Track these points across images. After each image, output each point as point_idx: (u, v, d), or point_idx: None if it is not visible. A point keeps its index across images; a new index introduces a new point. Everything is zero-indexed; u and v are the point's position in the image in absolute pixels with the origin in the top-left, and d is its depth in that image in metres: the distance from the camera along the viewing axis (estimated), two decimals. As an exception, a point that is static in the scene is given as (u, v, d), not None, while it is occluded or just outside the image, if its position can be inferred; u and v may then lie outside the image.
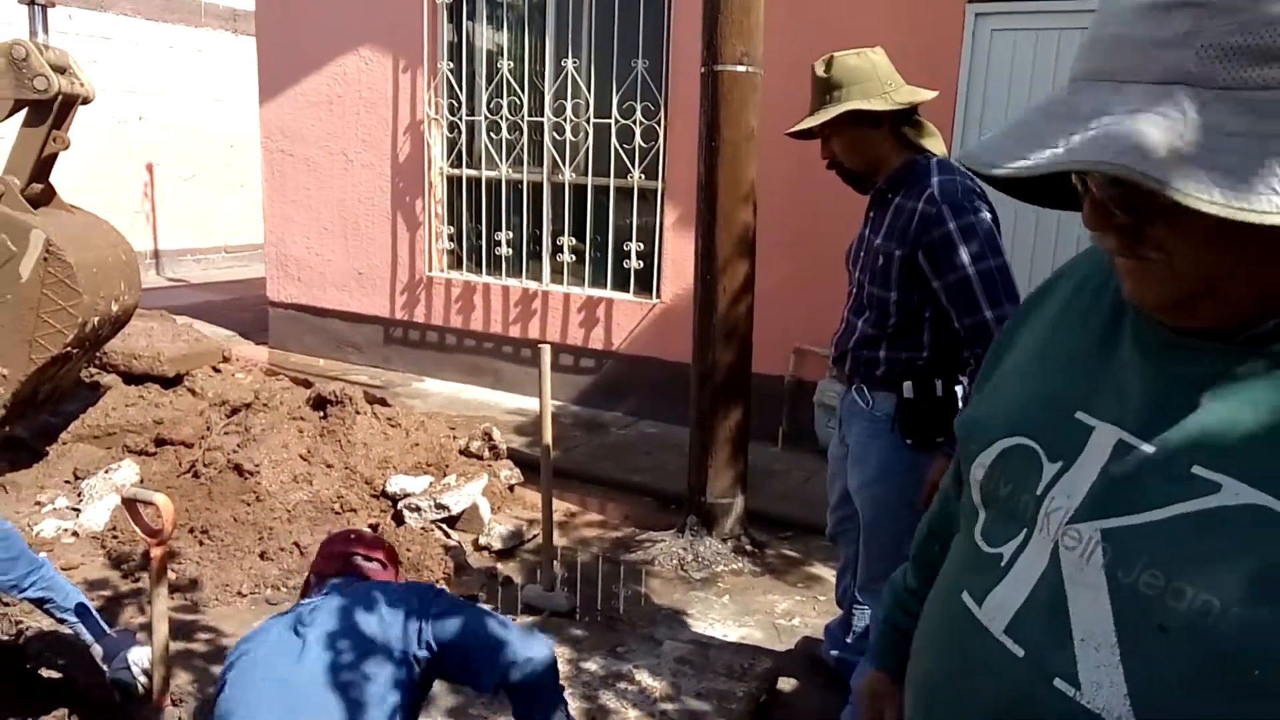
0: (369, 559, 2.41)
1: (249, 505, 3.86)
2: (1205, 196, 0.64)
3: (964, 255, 2.29)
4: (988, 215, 2.35)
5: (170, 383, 5.05)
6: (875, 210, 2.58)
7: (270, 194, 7.03)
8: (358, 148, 6.58)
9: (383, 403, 4.91)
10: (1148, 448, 0.79)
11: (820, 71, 2.47)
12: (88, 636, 2.99)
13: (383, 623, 2.13)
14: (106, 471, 4.22)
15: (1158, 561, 0.75)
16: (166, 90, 9.97)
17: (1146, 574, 0.75)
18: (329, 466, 4.13)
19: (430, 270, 6.50)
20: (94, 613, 3.05)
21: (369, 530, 2.75)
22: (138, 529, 2.78)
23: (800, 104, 2.60)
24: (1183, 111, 0.66)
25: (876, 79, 2.44)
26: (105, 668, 2.98)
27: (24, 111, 4.01)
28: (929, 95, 2.49)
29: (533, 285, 6.20)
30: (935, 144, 2.53)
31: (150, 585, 2.72)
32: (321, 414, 4.35)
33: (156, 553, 2.69)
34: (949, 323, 2.37)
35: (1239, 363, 0.77)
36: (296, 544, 3.70)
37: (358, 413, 4.37)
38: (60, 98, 3.95)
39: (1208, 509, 0.74)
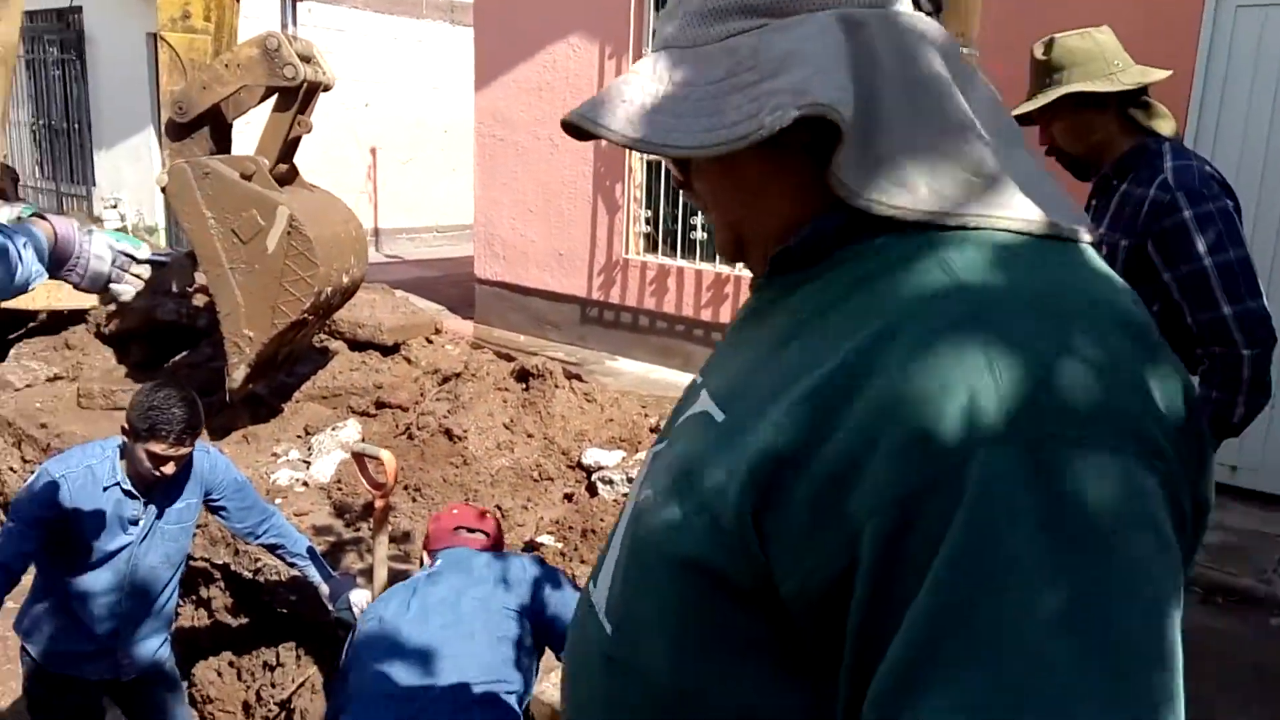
0: (474, 531, 2.61)
1: (457, 468, 4.12)
2: (658, 140, 0.72)
3: (1200, 245, 2.14)
4: (1228, 203, 2.19)
5: (389, 351, 5.44)
6: (1098, 198, 2.45)
7: (481, 177, 7.40)
8: (563, 133, 6.81)
9: (579, 379, 5.10)
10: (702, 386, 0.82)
11: (1039, 54, 2.37)
12: (315, 577, 3.26)
13: (498, 586, 2.34)
14: (333, 429, 4.60)
15: (652, 475, 0.78)
16: (389, 79, 10.65)
17: (646, 488, 0.77)
18: (529, 436, 4.33)
19: (626, 253, 6.67)
20: (320, 557, 3.34)
21: (474, 507, 2.96)
22: (364, 481, 3.03)
23: (1021, 87, 2.50)
24: (661, 70, 0.75)
25: (1102, 59, 2.31)
26: (330, 607, 3.26)
27: (274, 98, 4.41)
28: (1160, 75, 2.34)
29: (725, 270, 6.24)
30: (1166, 126, 2.38)
31: (373, 533, 2.96)
32: (524, 386, 4.57)
33: (380, 503, 2.93)
34: (1180, 318, 2.23)
35: (761, 295, 0.82)
36: (499, 506, 3.91)
37: (557, 386, 4.56)
38: (305, 85, 4.31)
39: (683, 421, 0.79)
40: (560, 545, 3.61)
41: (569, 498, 4.06)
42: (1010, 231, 0.68)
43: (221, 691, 3.85)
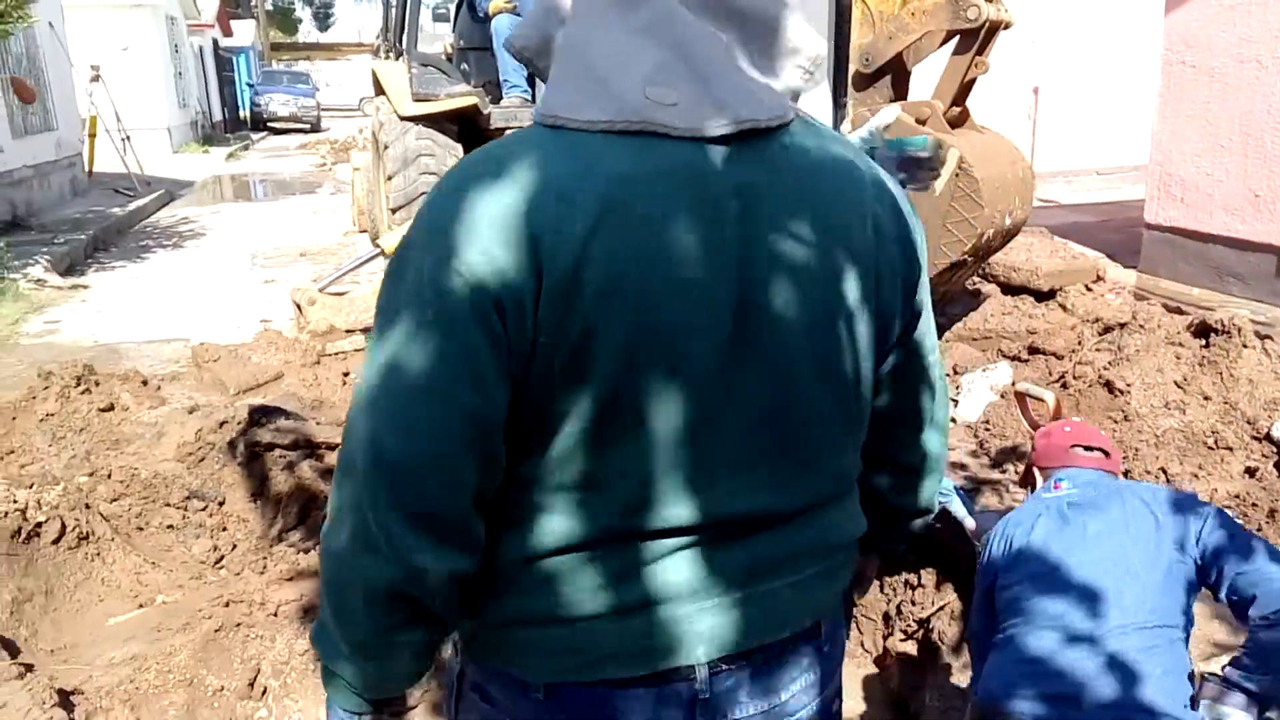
0: (1091, 450, 2.37)
1: (1116, 423, 3.88)
2: None
3: None
4: None
5: (1043, 296, 5.29)
6: None
7: (1164, 109, 6.69)
8: (1276, 52, 5.82)
9: (1270, 339, 4.41)
10: None
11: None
12: (959, 512, 3.40)
13: (1161, 520, 2.09)
14: (984, 370, 4.64)
15: None
16: (1056, 12, 10.08)
17: None
18: (1205, 398, 3.90)
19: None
20: (963, 493, 3.45)
21: (1080, 420, 2.63)
22: (1023, 420, 3.03)
23: None
24: None
25: None
26: (975, 542, 3.36)
27: (953, 41, 4.50)
28: None
29: None
30: None
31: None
32: (1203, 343, 4.11)
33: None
34: None
35: None
36: (1163, 470, 3.61)
37: (1245, 346, 4.01)
38: (986, 25, 4.32)
39: None
40: (1240, 523, 3.22)
41: (1251, 472, 3.58)
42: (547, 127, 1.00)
43: (866, 599, 4.21)
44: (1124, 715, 1.88)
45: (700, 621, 1.04)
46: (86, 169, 14.20)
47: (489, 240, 0.93)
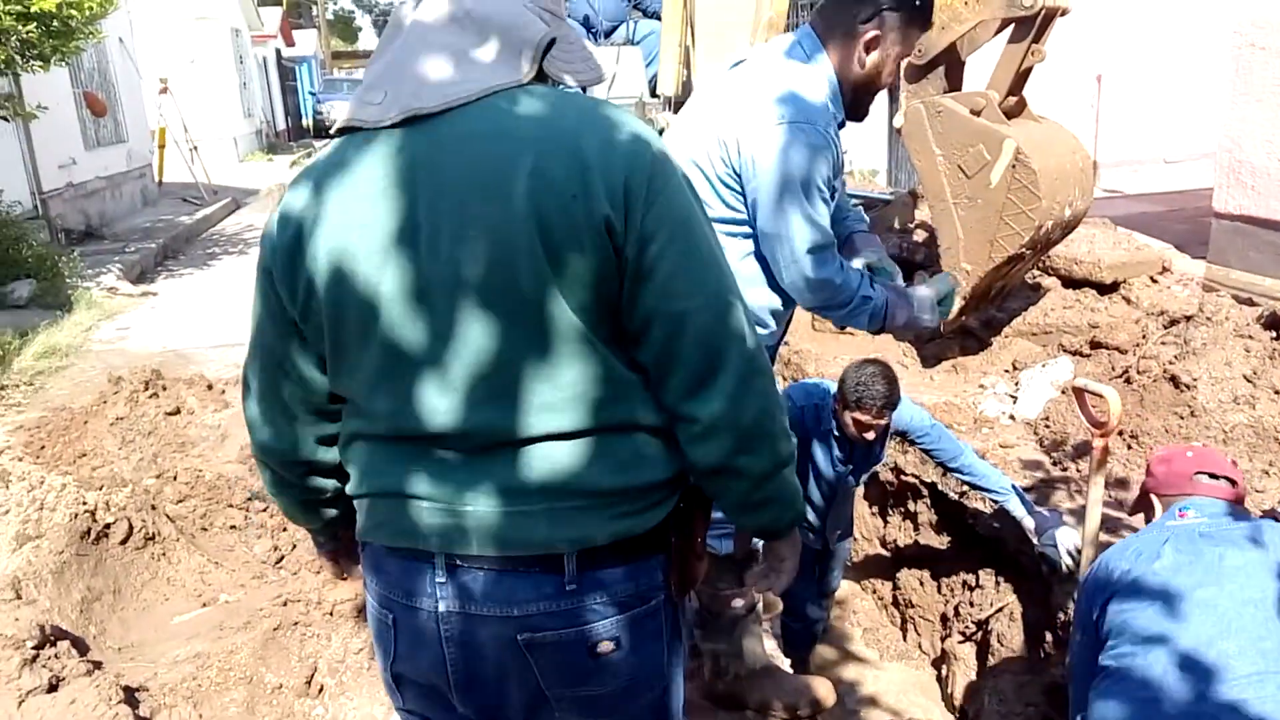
0: (1218, 479, 2.20)
1: (1182, 419, 3.77)
2: None
3: None
4: None
5: (1106, 289, 5.15)
6: None
7: (1233, 93, 6.47)
8: (1352, 32, 5.59)
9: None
10: None
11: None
12: (1017, 512, 3.33)
13: None
14: (1043, 366, 4.54)
15: None
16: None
17: None
18: (1277, 393, 3.76)
19: None
20: (1021, 493, 3.38)
21: (1209, 448, 2.51)
22: (1083, 417, 2.96)
23: None
24: None
25: None
26: (1035, 540, 3.29)
27: (1008, 30, 4.40)
28: None
29: None
30: None
31: (1090, 473, 2.89)
32: (1274, 335, 3.96)
33: (1099, 443, 2.83)
34: None
35: None
36: (1233, 462, 3.49)
37: (1320, 339, 3.86)
38: (1042, 12, 4.22)
39: None
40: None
41: (1327, 471, 3.45)
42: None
43: (922, 600, 4.15)
44: None
45: (432, 518, 1.28)
46: (156, 179, 14.63)
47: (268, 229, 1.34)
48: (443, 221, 1.20)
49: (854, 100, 2.20)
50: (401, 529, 1.31)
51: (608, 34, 6.97)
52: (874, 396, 3.01)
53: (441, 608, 1.30)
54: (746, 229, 2.17)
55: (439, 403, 1.24)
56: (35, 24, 7.22)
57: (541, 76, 1.30)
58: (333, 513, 1.52)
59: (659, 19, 6.37)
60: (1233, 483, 2.23)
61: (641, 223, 1.20)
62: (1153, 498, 2.32)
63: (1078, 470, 3.73)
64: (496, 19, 1.26)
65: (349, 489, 1.40)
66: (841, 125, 2.23)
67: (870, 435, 3.15)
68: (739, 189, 2.13)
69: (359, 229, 1.23)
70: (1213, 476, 2.23)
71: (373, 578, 1.39)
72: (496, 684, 1.34)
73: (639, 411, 1.28)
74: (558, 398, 1.23)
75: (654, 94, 6.33)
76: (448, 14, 1.26)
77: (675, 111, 5.79)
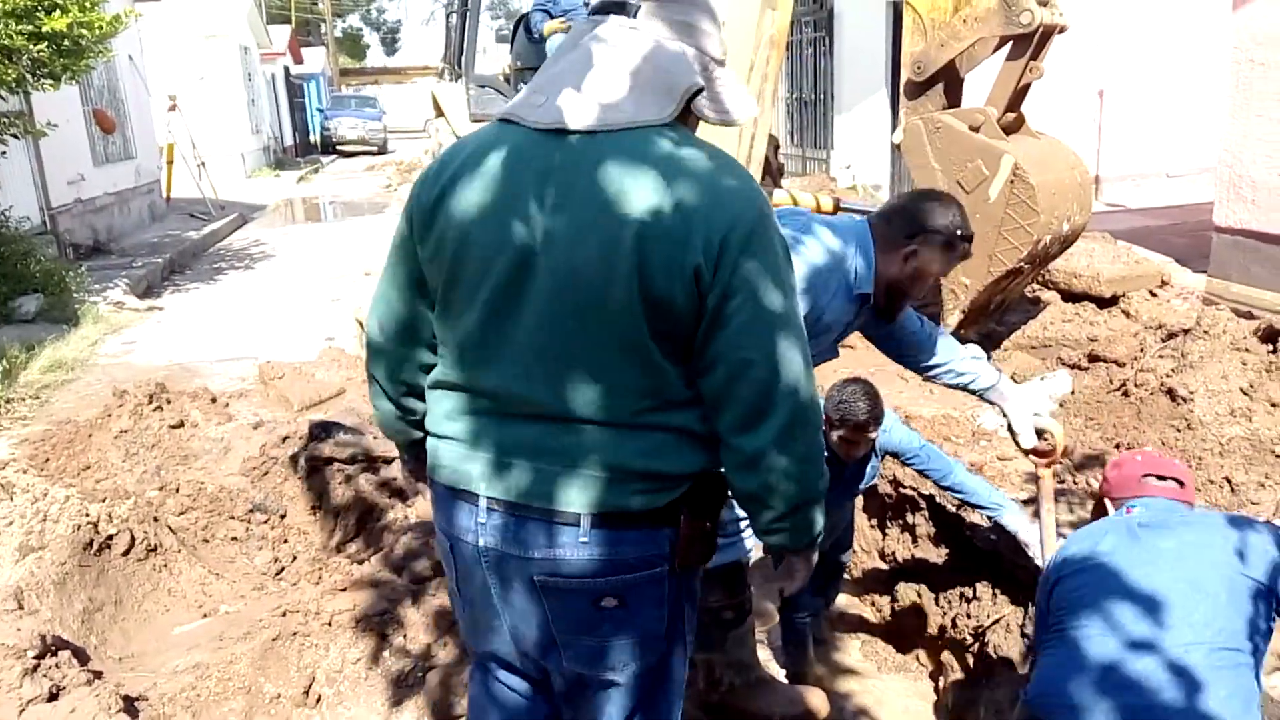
0: (1164, 479, 2.34)
1: (1179, 431, 3.78)
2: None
3: None
4: None
5: (1105, 303, 5.17)
6: None
7: (1233, 108, 6.49)
8: (1350, 48, 5.61)
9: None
10: None
11: None
12: (1011, 525, 3.35)
13: (1234, 555, 2.04)
14: (1042, 378, 4.56)
15: None
16: (1121, 13, 9.85)
17: None
18: (1274, 405, 3.77)
19: None
20: (1016, 507, 3.40)
21: (1154, 451, 2.65)
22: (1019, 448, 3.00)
23: None
24: None
25: None
26: (1029, 553, 3.30)
27: (1007, 46, 4.45)
28: None
29: None
30: None
31: (1040, 499, 2.95)
32: (1271, 348, 3.98)
33: (1044, 473, 2.91)
34: None
35: None
36: (1228, 479, 3.51)
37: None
38: (1040, 30, 4.26)
39: None
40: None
41: (1324, 483, 3.45)
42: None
43: (919, 612, 4.15)
44: None
45: (478, 465, 1.52)
46: (164, 195, 14.74)
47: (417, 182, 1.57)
48: (562, 226, 1.38)
49: (887, 298, 2.43)
50: (458, 472, 1.55)
51: None
52: (856, 413, 3.07)
53: (482, 543, 1.54)
54: None
55: (512, 370, 1.46)
56: (46, 43, 7.31)
57: (688, 113, 1.47)
58: (418, 435, 1.70)
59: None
60: (1180, 483, 2.35)
61: (730, 276, 1.36)
62: (1106, 502, 2.44)
63: (1075, 483, 3.74)
64: (657, 60, 1.42)
65: (426, 425, 1.63)
66: (865, 303, 2.43)
67: (857, 452, 3.19)
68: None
69: (491, 209, 1.43)
70: (1160, 478, 2.35)
71: (436, 511, 1.65)
72: (523, 615, 1.57)
73: (680, 420, 1.47)
74: (612, 395, 1.43)
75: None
76: (621, 45, 1.43)
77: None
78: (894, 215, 2.40)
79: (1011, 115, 4.58)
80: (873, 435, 3.15)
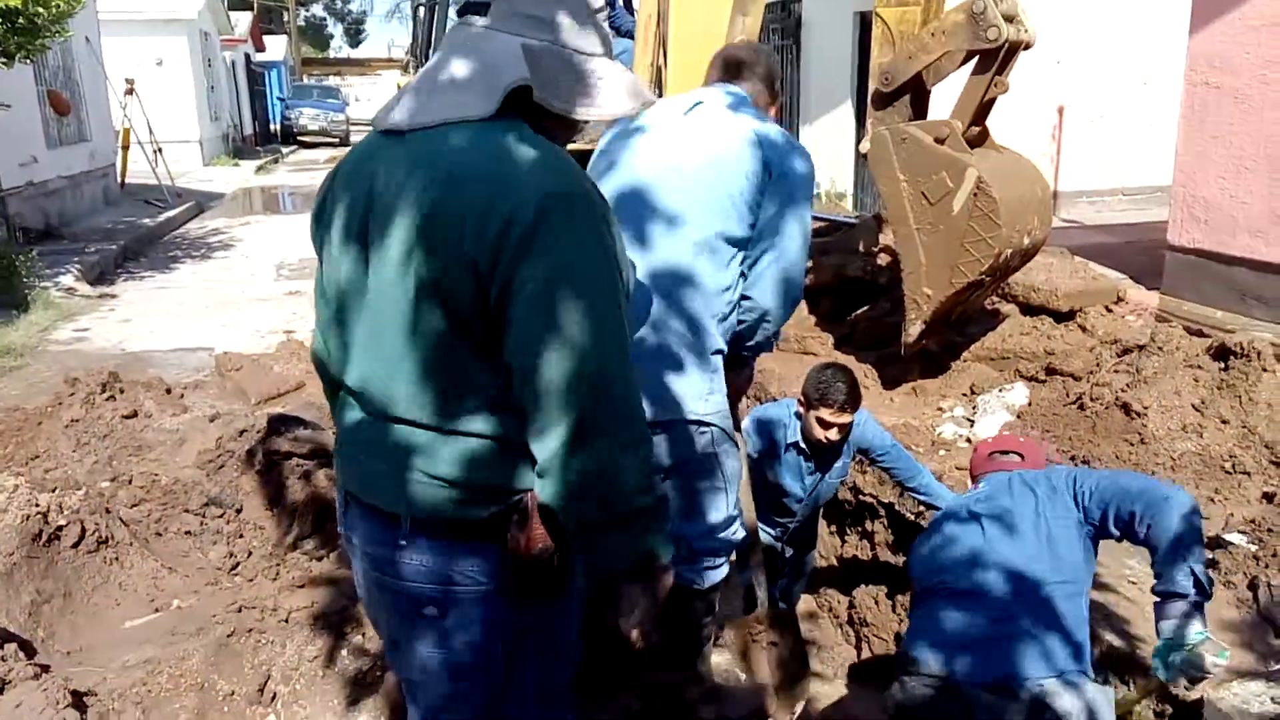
0: (1007, 454, 2.78)
1: (1132, 445, 3.86)
2: None
3: None
4: None
5: (1062, 317, 5.26)
6: None
7: (1187, 130, 6.65)
8: (1301, 75, 5.77)
9: (1294, 364, 4.36)
10: None
11: None
12: None
13: (1050, 493, 2.44)
14: (1000, 390, 4.63)
15: None
16: (1082, 31, 10.05)
17: None
18: (1223, 422, 3.87)
19: (1378, 218, 5.45)
20: None
21: (1009, 435, 3.25)
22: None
23: None
24: None
25: None
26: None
27: (974, 60, 4.50)
28: None
29: None
30: None
31: None
32: (1222, 366, 4.08)
33: None
34: None
35: None
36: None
37: (1265, 370, 3.97)
38: (1006, 45, 4.32)
39: None
40: (1254, 548, 3.19)
41: (1269, 497, 3.55)
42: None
43: (876, 618, 4.19)
44: (1022, 660, 2.19)
45: (344, 460, 1.58)
46: (119, 180, 14.44)
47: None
48: (379, 227, 1.40)
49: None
50: (338, 468, 1.62)
51: None
52: (836, 393, 3.15)
53: (350, 535, 1.60)
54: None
55: (359, 371, 1.48)
56: (1, 20, 7.13)
57: (540, 110, 1.42)
58: None
59: (632, 38, 6.43)
60: (1021, 456, 2.77)
61: (512, 272, 1.30)
62: (969, 481, 2.91)
63: (1031, 493, 3.79)
64: (484, 57, 1.40)
65: None
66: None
67: (834, 434, 3.24)
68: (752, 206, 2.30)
69: (341, 215, 1.46)
70: (1004, 453, 2.79)
71: None
72: (378, 610, 1.60)
73: (495, 427, 1.41)
74: (429, 397, 1.41)
75: (625, 111, 6.40)
76: (461, 45, 1.43)
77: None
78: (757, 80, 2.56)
79: (976, 129, 4.64)
80: (847, 420, 3.21)
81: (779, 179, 2.31)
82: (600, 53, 1.46)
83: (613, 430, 1.33)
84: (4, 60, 7.75)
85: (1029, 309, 5.34)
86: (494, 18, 1.42)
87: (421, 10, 8.13)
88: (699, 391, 2.29)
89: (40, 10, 7.44)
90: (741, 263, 2.34)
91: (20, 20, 7.34)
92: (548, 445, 1.33)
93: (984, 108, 4.61)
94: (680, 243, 2.28)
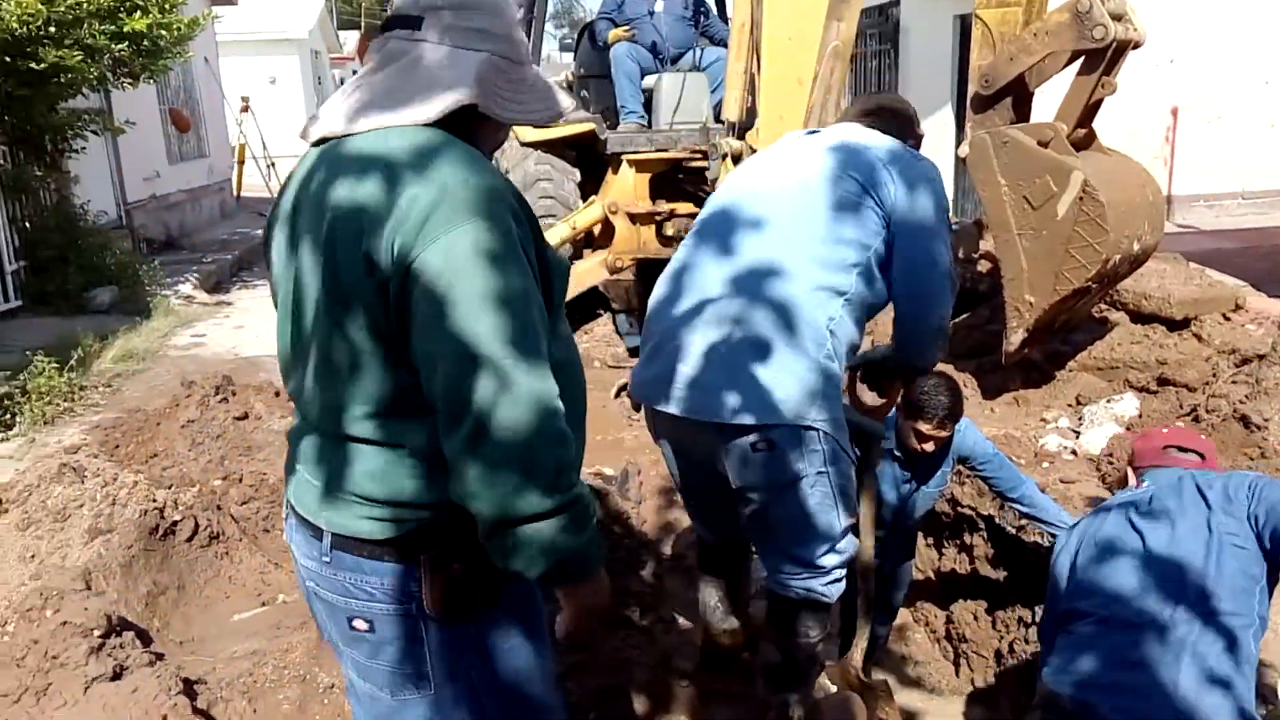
0: (1186, 451, 2.43)
1: (1252, 460, 3.67)
2: None
3: None
4: None
5: (1176, 325, 5.03)
6: None
7: (1312, 131, 6.30)
8: None
9: None
10: None
11: None
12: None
13: (1225, 505, 2.14)
14: (1108, 401, 4.45)
15: None
16: (1197, 29, 9.62)
17: None
18: (1354, 436, 3.64)
19: None
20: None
21: (1185, 426, 2.85)
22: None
23: None
24: None
25: None
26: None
27: (1079, 61, 4.36)
28: None
29: None
30: None
31: None
32: (1352, 377, 3.84)
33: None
34: None
35: None
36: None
37: (1400, 382, 3.73)
38: (1113, 45, 4.17)
39: None
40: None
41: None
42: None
43: (976, 634, 4.07)
44: (1187, 708, 1.94)
45: (286, 471, 1.57)
46: (235, 193, 15.11)
47: None
48: (301, 235, 1.42)
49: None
50: (285, 477, 1.62)
51: (674, 60, 7.05)
52: (937, 407, 3.02)
53: (291, 544, 1.59)
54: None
55: (295, 382, 1.49)
56: (127, 43, 7.55)
57: (482, 119, 1.43)
58: None
59: (725, 46, 6.43)
60: (1202, 455, 2.44)
61: (404, 263, 1.28)
62: (1129, 471, 2.55)
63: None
64: (419, 68, 1.41)
65: None
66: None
67: (929, 447, 3.12)
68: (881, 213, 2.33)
69: (279, 227, 1.49)
70: (1181, 450, 2.44)
71: None
72: (318, 615, 1.58)
73: (407, 436, 1.38)
74: (348, 406, 1.39)
75: (718, 119, 6.38)
76: (391, 58, 1.44)
77: (739, 136, 5.81)
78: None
79: (1082, 131, 4.49)
80: (945, 435, 3.10)
81: (904, 190, 2.32)
82: (528, 62, 1.49)
83: (515, 424, 1.28)
84: (130, 80, 8.20)
85: (1140, 317, 5.13)
86: (427, 30, 1.42)
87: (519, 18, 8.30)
88: (813, 397, 2.23)
89: (163, 32, 7.85)
90: (862, 271, 2.31)
91: (145, 42, 7.75)
92: (451, 442, 1.30)
93: (1090, 110, 4.46)
94: (785, 248, 2.30)
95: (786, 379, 2.21)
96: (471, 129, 1.43)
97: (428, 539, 1.41)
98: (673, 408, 2.29)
